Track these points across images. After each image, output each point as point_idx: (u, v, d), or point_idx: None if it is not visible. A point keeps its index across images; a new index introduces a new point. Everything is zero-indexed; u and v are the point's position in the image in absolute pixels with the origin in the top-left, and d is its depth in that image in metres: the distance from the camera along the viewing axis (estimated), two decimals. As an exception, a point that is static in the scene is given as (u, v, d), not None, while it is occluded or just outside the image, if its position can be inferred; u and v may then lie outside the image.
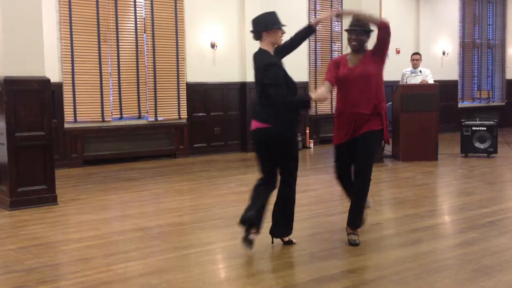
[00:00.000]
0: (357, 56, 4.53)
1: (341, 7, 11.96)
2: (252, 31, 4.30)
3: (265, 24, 4.21)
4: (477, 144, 9.37)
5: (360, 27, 4.47)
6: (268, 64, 4.13)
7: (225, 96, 10.62)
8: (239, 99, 10.77)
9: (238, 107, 10.78)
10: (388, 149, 9.40)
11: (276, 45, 4.28)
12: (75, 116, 8.96)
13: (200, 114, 10.36)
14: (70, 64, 8.83)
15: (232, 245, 4.49)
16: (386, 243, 4.54)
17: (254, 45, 4.39)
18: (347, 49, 4.73)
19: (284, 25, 4.27)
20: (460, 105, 14.81)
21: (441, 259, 4.07)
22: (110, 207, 6.16)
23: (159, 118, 9.82)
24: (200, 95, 10.33)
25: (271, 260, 4.18)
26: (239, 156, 10.27)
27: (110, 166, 9.00)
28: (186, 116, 10.12)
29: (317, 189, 6.94)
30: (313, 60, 11.88)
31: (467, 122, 9.48)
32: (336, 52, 12.31)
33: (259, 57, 4.24)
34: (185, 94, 10.10)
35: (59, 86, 8.69)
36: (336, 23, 12.22)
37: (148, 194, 6.79)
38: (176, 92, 9.99)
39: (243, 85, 10.67)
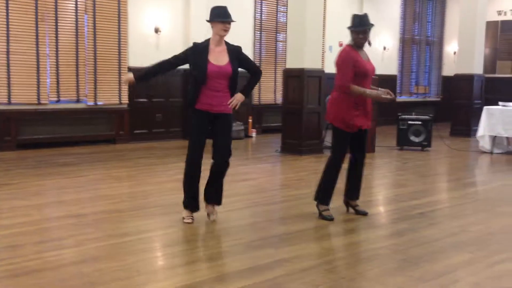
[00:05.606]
0: (363, 52, 4.93)
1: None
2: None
3: (211, 16, 4.55)
4: (412, 138, 9.70)
5: None
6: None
7: (167, 83, 10.48)
8: (181, 86, 10.66)
9: (180, 94, 10.67)
10: (328, 140, 9.55)
11: (221, 37, 4.55)
12: (9, 98, 8.61)
13: (142, 100, 10.20)
14: (5, 44, 8.47)
15: (168, 233, 4.47)
16: (321, 232, 4.63)
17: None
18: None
19: (227, 20, 4.51)
20: (398, 99, 15.23)
21: (372, 248, 4.20)
22: (44, 193, 5.98)
23: (98, 103, 9.59)
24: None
25: (207, 249, 4.19)
26: (180, 143, 10.17)
27: (46, 150, 8.73)
28: (127, 101, 9.93)
29: (257, 179, 6.99)
30: (258, 50, 11.90)
31: (404, 116, 9.79)
32: (281, 43, 12.36)
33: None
34: (127, 79, 9.90)
35: (-8, 65, 8.34)
36: (282, 13, 12.28)
37: (85, 180, 6.63)
38: (117, 76, 9.76)
39: (186, 72, 10.54)
